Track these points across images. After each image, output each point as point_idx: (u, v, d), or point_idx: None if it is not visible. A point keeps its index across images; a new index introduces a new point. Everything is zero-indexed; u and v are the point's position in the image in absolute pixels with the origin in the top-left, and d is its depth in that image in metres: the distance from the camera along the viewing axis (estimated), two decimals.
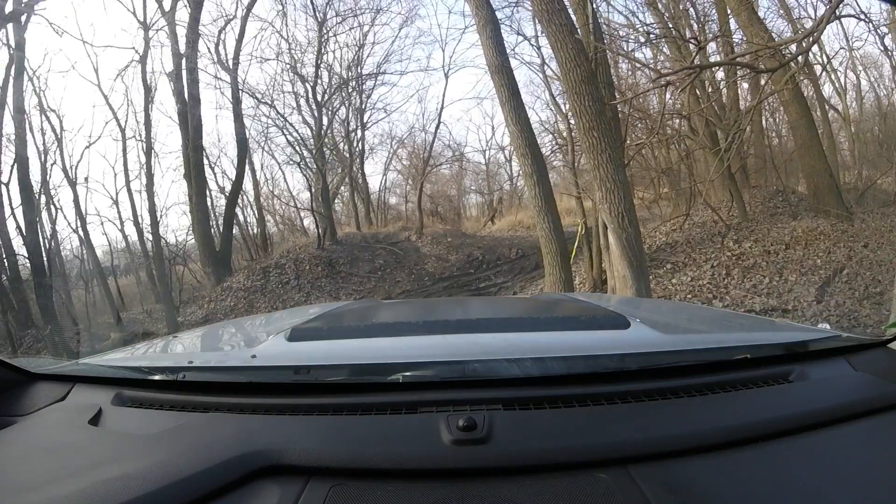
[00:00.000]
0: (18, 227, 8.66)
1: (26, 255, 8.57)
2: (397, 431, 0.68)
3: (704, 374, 0.81)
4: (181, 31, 10.21)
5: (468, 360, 0.81)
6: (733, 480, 0.59)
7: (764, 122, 9.74)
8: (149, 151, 10.41)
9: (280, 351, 0.97)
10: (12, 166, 8.76)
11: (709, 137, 7.69)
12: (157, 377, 0.87)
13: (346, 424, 0.70)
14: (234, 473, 0.59)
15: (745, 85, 8.66)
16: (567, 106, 9.18)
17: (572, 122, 7.73)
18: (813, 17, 8.33)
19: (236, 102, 11.20)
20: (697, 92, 7.70)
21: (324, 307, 1.75)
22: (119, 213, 11.12)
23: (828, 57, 8.45)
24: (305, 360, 0.88)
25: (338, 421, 0.71)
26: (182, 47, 10.01)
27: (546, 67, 9.66)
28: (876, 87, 11.76)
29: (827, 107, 10.02)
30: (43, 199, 9.60)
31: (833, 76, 10.35)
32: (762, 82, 5.96)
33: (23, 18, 8.68)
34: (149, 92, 10.33)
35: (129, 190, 10.78)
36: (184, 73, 10.00)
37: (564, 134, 9.34)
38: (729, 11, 7.69)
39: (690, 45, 6.86)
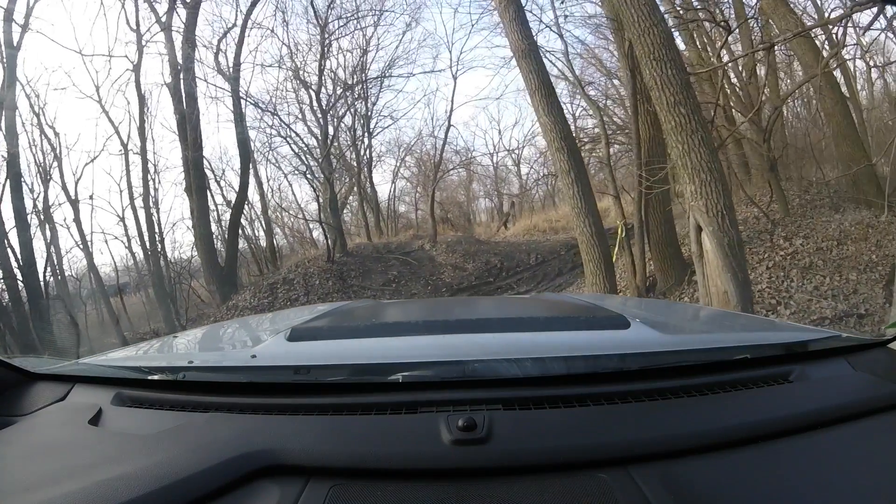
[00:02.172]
0: (10, 246, 8.17)
1: (20, 277, 8.04)
2: (397, 431, 0.67)
3: (704, 374, 0.80)
4: (177, 39, 9.76)
5: (468, 360, 0.81)
6: (733, 480, 0.59)
7: (786, 112, 9.34)
8: (144, 161, 9.93)
9: (280, 351, 0.97)
10: (4, 183, 8.26)
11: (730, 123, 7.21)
12: (156, 377, 0.87)
13: (346, 424, 0.70)
14: (234, 473, 0.59)
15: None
16: (603, 97, 8.67)
17: (605, 116, 7.17)
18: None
19: (237, 105, 10.70)
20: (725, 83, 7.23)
21: (331, 305, 1.77)
22: (126, 230, 10.67)
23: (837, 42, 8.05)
24: (305, 360, 0.88)
25: (338, 421, 0.71)
26: (178, 51, 9.53)
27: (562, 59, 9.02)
28: (883, 74, 11.31)
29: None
30: (42, 217, 9.12)
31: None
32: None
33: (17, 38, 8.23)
34: (143, 100, 9.87)
35: (132, 206, 10.35)
36: (180, 71, 9.50)
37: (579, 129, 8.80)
38: None
39: (720, 28, 6.40)
